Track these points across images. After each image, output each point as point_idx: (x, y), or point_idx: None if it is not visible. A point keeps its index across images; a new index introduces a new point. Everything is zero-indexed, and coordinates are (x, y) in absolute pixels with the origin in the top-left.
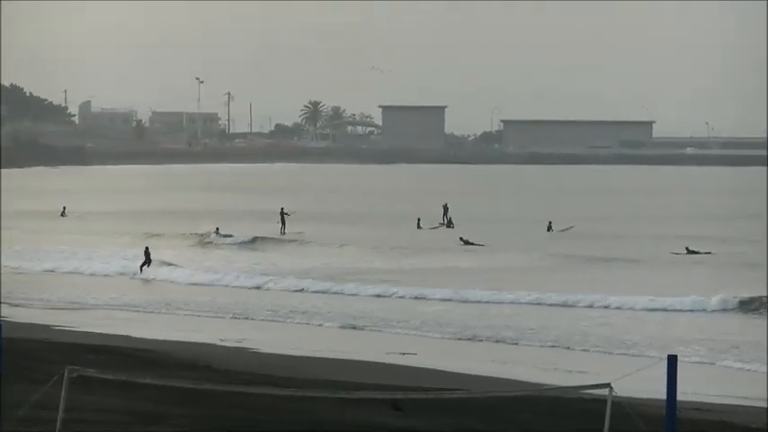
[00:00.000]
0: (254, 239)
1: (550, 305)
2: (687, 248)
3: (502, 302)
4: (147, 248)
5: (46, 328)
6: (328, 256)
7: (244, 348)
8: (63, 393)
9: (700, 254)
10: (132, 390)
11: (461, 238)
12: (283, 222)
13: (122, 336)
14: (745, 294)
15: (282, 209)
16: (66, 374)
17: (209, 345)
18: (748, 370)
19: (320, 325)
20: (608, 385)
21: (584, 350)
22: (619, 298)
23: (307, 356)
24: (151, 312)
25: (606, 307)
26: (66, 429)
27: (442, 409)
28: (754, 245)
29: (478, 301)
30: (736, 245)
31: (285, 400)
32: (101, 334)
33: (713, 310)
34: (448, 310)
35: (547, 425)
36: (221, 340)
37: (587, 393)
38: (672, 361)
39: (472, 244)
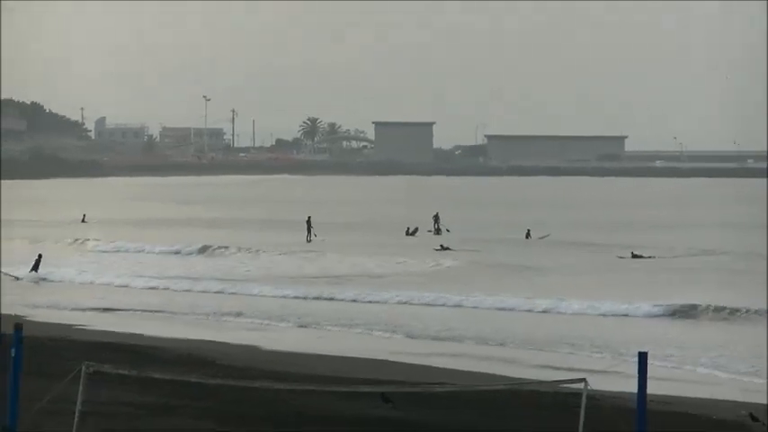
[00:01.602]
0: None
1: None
2: (632, 253)
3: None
4: (39, 255)
5: (66, 327)
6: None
7: (252, 346)
8: (81, 387)
9: (643, 258)
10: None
11: (441, 246)
12: (309, 230)
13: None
14: (677, 299)
15: (309, 218)
16: (83, 369)
17: (215, 342)
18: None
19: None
20: (583, 380)
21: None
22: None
23: (304, 353)
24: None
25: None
26: (84, 420)
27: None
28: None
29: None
30: (687, 251)
31: (285, 392)
32: (114, 332)
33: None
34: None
35: (526, 416)
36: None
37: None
38: (642, 358)
39: (449, 249)
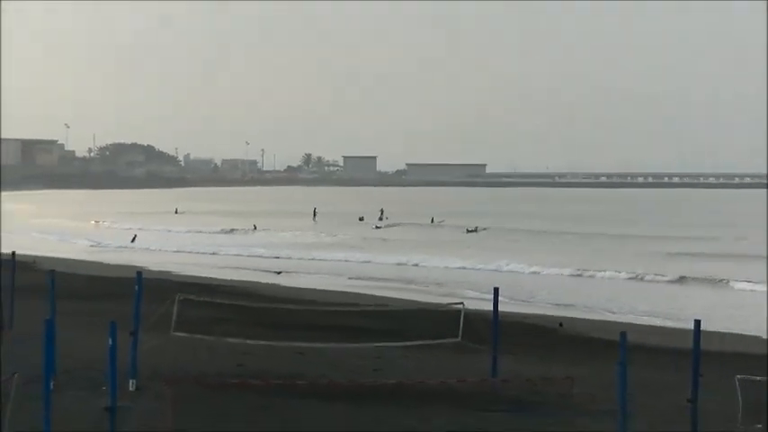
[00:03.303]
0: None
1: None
2: (474, 227)
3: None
4: (134, 235)
5: (166, 272)
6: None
7: (275, 284)
8: (175, 308)
9: (477, 231)
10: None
11: (377, 226)
12: (314, 215)
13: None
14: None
15: (315, 208)
16: (177, 298)
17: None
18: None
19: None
20: (461, 303)
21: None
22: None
23: (309, 288)
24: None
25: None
26: (178, 325)
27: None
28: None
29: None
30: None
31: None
32: (195, 275)
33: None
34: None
35: (430, 322)
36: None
37: (453, 307)
38: (496, 291)
39: (380, 228)
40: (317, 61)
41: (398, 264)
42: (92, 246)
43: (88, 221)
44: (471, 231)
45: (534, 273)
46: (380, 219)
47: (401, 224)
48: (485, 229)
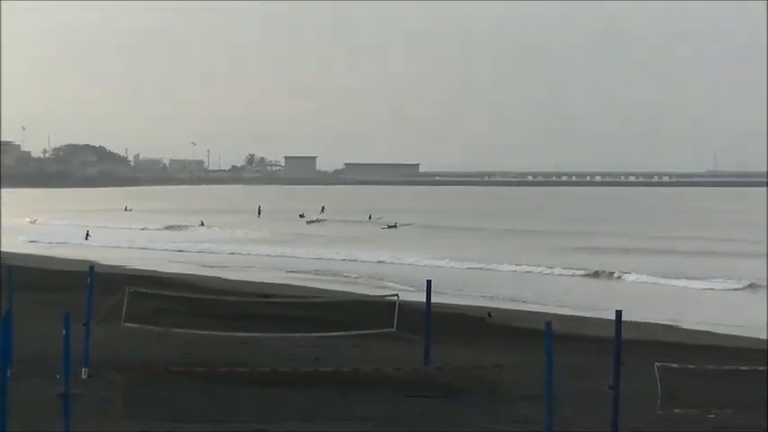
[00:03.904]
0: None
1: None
2: (393, 224)
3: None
4: (87, 231)
5: (116, 266)
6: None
7: (220, 277)
8: (125, 300)
9: (396, 227)
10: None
11: (313, 220)
12: (259, 212)
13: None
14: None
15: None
16: (127, 290)
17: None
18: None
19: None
20: (396, 295)
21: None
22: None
23: (250, 281)
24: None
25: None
26: (127, 315)
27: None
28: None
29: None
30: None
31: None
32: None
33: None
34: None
35: (367, 312)
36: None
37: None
38: (428, 284)
39: (313, 222)
40: (260, 64)
41: (318, 258)
42: (49, 243)
43: (32, 219)
44: (391, 227)
45: (450, 267)
46: (321, 213)
47: (330, 220)
48: (408, 224)
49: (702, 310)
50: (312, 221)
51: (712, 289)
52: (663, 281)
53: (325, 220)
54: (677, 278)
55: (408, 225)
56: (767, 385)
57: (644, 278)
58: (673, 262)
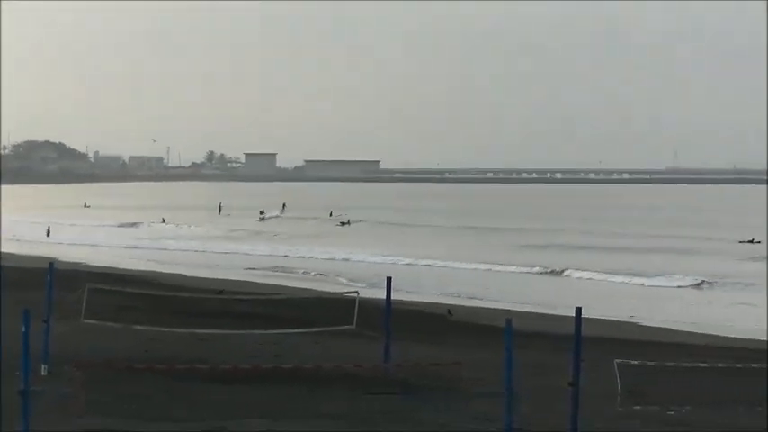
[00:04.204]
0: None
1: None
2: (346, 221)
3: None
4: (48, 228)
5: (75, 263)
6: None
7: (180, 273)
8: (85, 296)
9: (350, 224)
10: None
11: (267, 216)
12: (220, 209)
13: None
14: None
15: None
16: (86, 287)
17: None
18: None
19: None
20: (356, 292)
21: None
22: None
23: (210, 278)
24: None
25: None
26: (87, 312)
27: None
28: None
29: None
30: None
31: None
32: (103, 266)
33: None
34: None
35: (327, 309)
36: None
37: (347, 296)
38: (389, 281)
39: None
40: (218, 62)
41: (273, 254)
42: (9, 239)
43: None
44: (345, 224)
45: (407, 264)
46: (282, 211)
47: (285, 217)
48: (359, 221)
49: (658, 308)
50: (263, 218)
51: (666, 286)
52: (618, 278)
53: (280, 216)
54: (634, 275)
55: (360, 222)
56: (726, 382)
57: (600, 276)
58: (627, 259)
